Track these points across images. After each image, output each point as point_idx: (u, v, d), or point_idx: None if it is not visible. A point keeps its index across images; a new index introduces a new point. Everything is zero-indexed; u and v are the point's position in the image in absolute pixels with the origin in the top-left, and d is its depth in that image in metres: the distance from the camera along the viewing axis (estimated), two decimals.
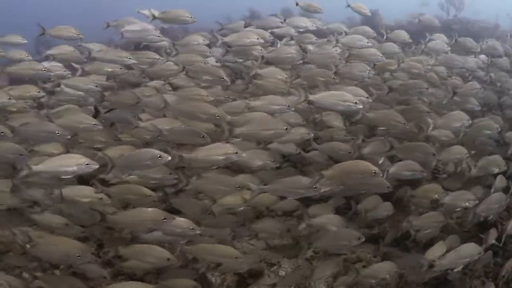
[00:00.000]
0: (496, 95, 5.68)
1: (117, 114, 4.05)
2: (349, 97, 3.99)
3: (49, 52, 4.84)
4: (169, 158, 3.44)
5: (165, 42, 4.83)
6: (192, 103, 3.93)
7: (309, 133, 4.12)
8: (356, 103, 4.00)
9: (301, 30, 5.41)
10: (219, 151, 3.57)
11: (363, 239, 3.85)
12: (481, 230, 4.46)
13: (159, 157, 3.43)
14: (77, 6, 14.67)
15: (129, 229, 3.62)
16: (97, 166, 3.38)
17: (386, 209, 4.33)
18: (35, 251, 3.20)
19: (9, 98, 4.04)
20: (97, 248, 3.98)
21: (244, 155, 3.63)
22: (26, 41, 4.92)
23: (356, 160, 3.84)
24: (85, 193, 3.62)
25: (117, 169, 3.52)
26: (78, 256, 3.09)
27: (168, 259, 3.34)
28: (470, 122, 4.61)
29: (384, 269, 3.85)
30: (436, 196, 4.27)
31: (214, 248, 3.53)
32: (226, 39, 4.75)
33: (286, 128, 3.84)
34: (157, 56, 4.55)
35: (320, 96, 4.02)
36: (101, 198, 3.60)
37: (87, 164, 3.35)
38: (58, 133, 3.63)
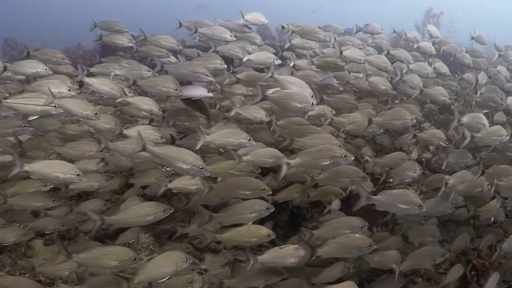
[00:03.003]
0: None
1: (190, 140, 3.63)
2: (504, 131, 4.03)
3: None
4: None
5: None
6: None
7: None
8: None
9: None
10: (325, 154, 3.17)
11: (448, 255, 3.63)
12: None
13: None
14: None
15: None
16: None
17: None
18: None
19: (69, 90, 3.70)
20: None
21: (352, 158, 3.25)
22: (127, 30, 4.80)
23: None
24: None
25: None
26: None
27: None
28: None
29: None
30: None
31: None
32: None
33: None
34: None
35: (483, 134, 4.03)
36: None
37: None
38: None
